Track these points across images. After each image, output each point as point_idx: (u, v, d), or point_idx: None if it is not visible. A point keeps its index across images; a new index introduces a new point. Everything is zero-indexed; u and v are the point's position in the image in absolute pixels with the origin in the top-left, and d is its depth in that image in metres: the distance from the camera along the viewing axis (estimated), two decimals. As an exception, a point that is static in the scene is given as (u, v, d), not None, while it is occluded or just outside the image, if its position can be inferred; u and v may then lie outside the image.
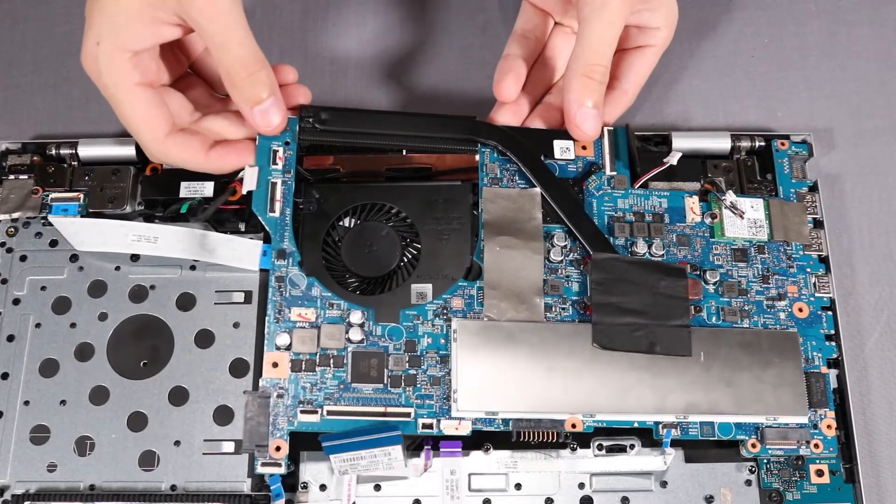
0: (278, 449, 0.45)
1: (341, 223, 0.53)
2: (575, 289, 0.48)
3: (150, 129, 0.47)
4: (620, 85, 0.52)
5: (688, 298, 0.48)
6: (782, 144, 0.55)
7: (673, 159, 0.51)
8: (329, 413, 0.45)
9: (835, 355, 0.50)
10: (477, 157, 0.51)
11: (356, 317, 0.47)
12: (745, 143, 0.55)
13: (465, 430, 0.46)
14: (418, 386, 0.46)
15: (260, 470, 0.45)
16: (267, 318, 0.47)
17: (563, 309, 0.48)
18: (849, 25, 0.63)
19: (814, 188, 0.54)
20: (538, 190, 0.50)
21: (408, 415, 0.46)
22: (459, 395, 0.45)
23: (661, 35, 0.51)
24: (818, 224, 0.53)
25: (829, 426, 0.48)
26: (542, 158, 0.51)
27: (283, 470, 0.45)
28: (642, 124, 0.60)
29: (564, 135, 0.51)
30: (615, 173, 0.51)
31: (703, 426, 0.47)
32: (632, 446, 0.49)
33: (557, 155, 0.51)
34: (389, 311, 0.48)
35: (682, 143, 0.55)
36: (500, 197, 0.49)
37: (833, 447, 0.48)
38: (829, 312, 0.51)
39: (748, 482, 0.49)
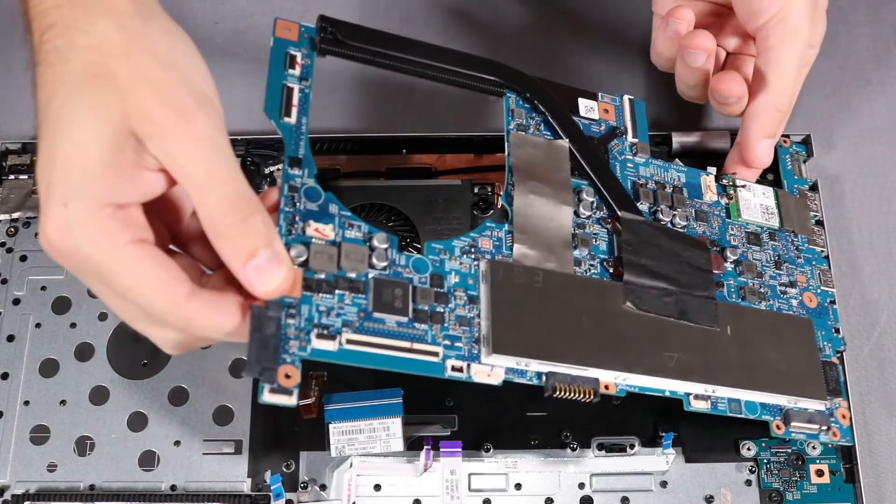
0: (288, 377, 0.37)
1: (341, 223, 0.53)
2: (603, 247, 0.47)
3: (167, 291, 0.35)
4: None
5: (712, 271, 0.47)
6: (784, 142, 0.55)
7: None
8: (349, 342, 0.39)
9: (842, 348, 0.50)
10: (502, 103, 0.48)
11: (381, 240, 0.41)
12: (745, 143, 0.56)
13: (497, 378, 0.41)
14: (446, 325, 0.41)
15: (266, 398, 0.36)
16: (278, 230, 0.39)
17: (592, 266, 0.46)
18: (849, 25, 0.63)
19: (814, 188, 0.55)
20: (566, 143, 0.48)
21: (436, 354, 0.41)
22: (493, 340, 0.41)
23: (814, 53, 0.51)
24: (818, 224, 0.53)
25: (843, 415, 0.48)
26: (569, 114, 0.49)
27: (293, 400, 0.36)
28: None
29: (588, 94, 0.50)
30: (637, 140, 0.50)
31: (732, 402, 0.46)
32: (631, 446, 0.49)
33: (582, 112, 0.50)
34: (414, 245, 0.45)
35: (683, 143, 0.55)
36: (528, 144, 0.47)
37: (849, 436, 0.48)
38: (836, 307, 0.51)
39: (748, 482, 0.49)
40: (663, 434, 0.48)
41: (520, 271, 0.43)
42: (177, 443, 0.50)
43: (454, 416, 0.50)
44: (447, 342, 0.41)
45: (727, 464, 0.49)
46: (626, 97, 0.51)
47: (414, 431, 0.49)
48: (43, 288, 0.53)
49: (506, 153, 0.47)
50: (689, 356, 0.44)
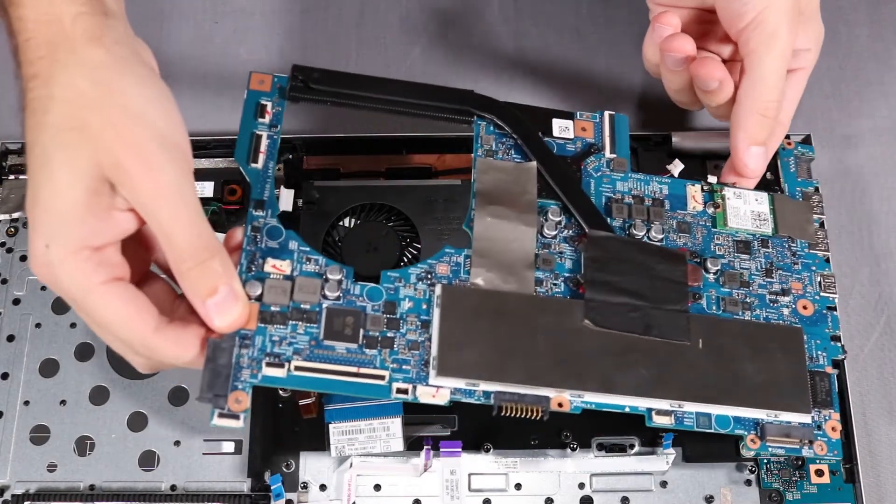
0: (238, 402, 0.40)
1: (341, 223, 0.53)
2: (568, 265, 0.47)
3: (135, 326, 0.38)
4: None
5: (687, 284, 0.47)
6: (788, 144, 0.54)
7: (675, 170, 0.51)
8: (297, 368, 0.42)
9: (841, 356, 0.49)
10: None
11: (334, 272, 0.43)
12: (745, 143, 0.55)
13: (442, 398, 0.43)
14: (395, 349, 0.43)
15: (216, 422, 0.40)
16: (239, 267, 0.43)
17: (555, 284, 0.46)
18: (849, 25, 0.63)
19: (816, 188, 0.54)
20: (534, 164, 0.48)
21: (382, 377, 0.42)
22: (438, 361, 0.42)
23: (811, 56, 0.51)
24: (822, 227, 0.52)
25: (833, 428, 0.47)
26: (540, 135, 0.50)
27: (241, 424, 0.40)
28: (642, 124, 0.60)
29: (563, 114, 0.50)
30: (615, 156, 0.50)
31: (700, 417, 0.45)
32: (631, 446, 0.49)
33: (556, 133, 0.50)
34: (371, 273, 0.45)
35: (683, 143, 0.55)
36: (494, 168, 0.48)
37: (837, 450, 0.46)
38: (836, 313, 0.49)
39: (748, 482, 0.49)
40: (663, 434, 0.48)
41: (474, 294, 0.44)
42: (177, 443, 0.50)
43: (454, 416, 0.50)
44: (395, 366, 0.43)
45: (727, 464, 0.49)
46: (606, 113, 0.51)
47: (414, 431, 0.49)
48: (43, 288, 0.53)
49: (472, 179, 0.48)
50: (652, 372, 0.44)
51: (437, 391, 0.43)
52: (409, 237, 0.53)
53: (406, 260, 0.52)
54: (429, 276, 0.45)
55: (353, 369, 0.42)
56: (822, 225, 0.52)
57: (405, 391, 0.43)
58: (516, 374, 0.43)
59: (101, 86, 0.37)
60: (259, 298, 0.42)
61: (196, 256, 0.38)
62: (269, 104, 0.47)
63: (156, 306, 0.40)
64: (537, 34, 0.63)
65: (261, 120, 0.47)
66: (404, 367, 0.43)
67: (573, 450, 0.49)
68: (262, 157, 0.46)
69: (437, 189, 0.54)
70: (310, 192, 0.53)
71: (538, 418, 0.43)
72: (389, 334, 0.43)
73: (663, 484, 0.49)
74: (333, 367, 0.42)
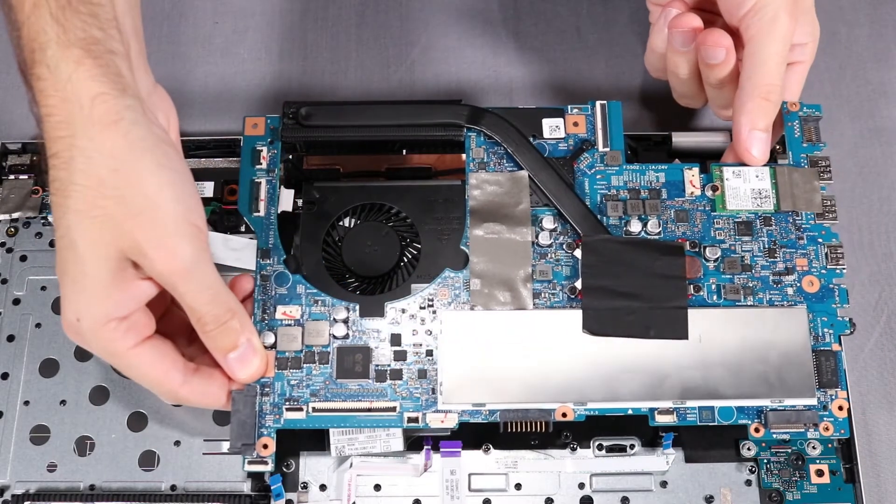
0: (265, 447, 0.45)
1: (341, 223, 0.53)
2: (565, 273, 0.47)
3: (163, 382, 0.43)
4: None
5: (685, 278, 0.47)
6: (793, 106, 0.51)
7: None
8: (315, 410, 0.45)
9: (848, 332, 0.47)
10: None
11: (340, 313, 0.47)
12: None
13: (451, 422, 0.45)
14: (404, 380, 0.46)
15: (247, 468, 0.45)
16: (253, 317, 0.47)
17: (553, 294, 0.47)
18: (849, 25, 0.63)
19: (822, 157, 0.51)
20: (525, 173, 0.49)
21: (393, 409, 0.45)
22: (444, 387, 0.45)
23: (808, 51, 0.51)
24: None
25: (840, 407, 0.46)
26: (532, 139, 0.50)
27: (270, 467, 0.45)
28: (643, 123, 0.60)
29: (554, 113, 0.50)
30: (608, 149, 0.50)
31: (703, 411, 0.45)
32: (632, 446, 0.49)
33: (547, 134, 0.50)
34: (376, 306, 0.48)
35: (683, 143, 0.55)
36: (487, 182, 0.49)
37: (845, 429, 0.46)
38: (843, 286, 0.48)
39: (748, 482, 0.49)
40: (663, 434, 0.48)
41: (476, 315, 0.46)
42: (177, 443, 0.50)
43: (454, 416, 0.50)
44: (405, 395, 0.46)
45: (727, 464, 0.49)
46: (598, 103, 0.51)
47: (414, 431, 0.49)
48: (43, 288, 0.53)
49: (465, 196, 0.49)
50: (655, 374, 0.45)
51: (446, 416, 0.45)
52: (409, 237, 0.53)
53: (406, 259, 0.52)
54: (431, 303, 0.47)
55: (367, 404, 0.46)
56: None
57: (415, 419, 0.45)
58: (520, 391, 0.45)
59: (118, 174, 0.39)
60: (274, 346, 0.46)
61: (216, 320, 0.42)
62: (265, 149, 0.50)
63: (179, 335, 0.45)
64: (537, 34, 0.63)
65: (258, 166, 0.49)
66: (414, 394, 0.46)
67: (573, 450, 0.49)
68: (262, 205, 0.49)
69: (437, 189, 0.54)
70: (310, 192, 0.53)
71: (546, 431, 0.45)
72: (397, 366, 0.46)
73: (663, 484, 0.49)
74: (348, 404, 0.46)
